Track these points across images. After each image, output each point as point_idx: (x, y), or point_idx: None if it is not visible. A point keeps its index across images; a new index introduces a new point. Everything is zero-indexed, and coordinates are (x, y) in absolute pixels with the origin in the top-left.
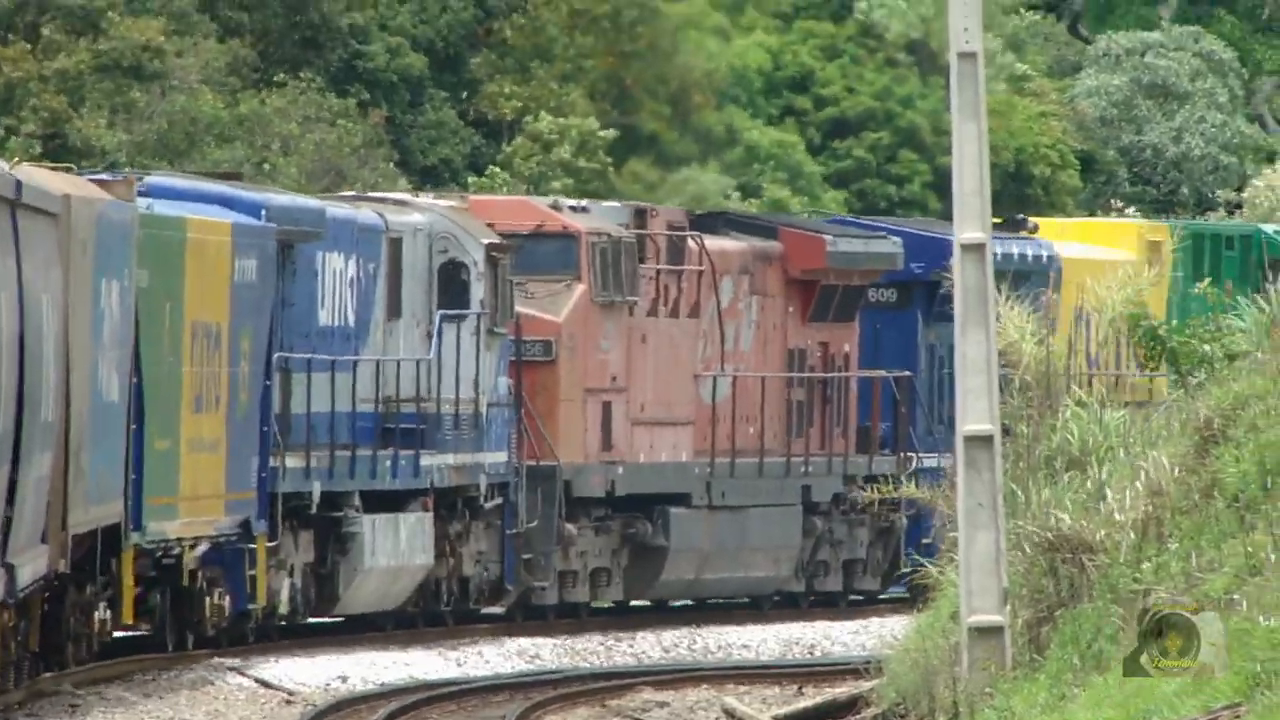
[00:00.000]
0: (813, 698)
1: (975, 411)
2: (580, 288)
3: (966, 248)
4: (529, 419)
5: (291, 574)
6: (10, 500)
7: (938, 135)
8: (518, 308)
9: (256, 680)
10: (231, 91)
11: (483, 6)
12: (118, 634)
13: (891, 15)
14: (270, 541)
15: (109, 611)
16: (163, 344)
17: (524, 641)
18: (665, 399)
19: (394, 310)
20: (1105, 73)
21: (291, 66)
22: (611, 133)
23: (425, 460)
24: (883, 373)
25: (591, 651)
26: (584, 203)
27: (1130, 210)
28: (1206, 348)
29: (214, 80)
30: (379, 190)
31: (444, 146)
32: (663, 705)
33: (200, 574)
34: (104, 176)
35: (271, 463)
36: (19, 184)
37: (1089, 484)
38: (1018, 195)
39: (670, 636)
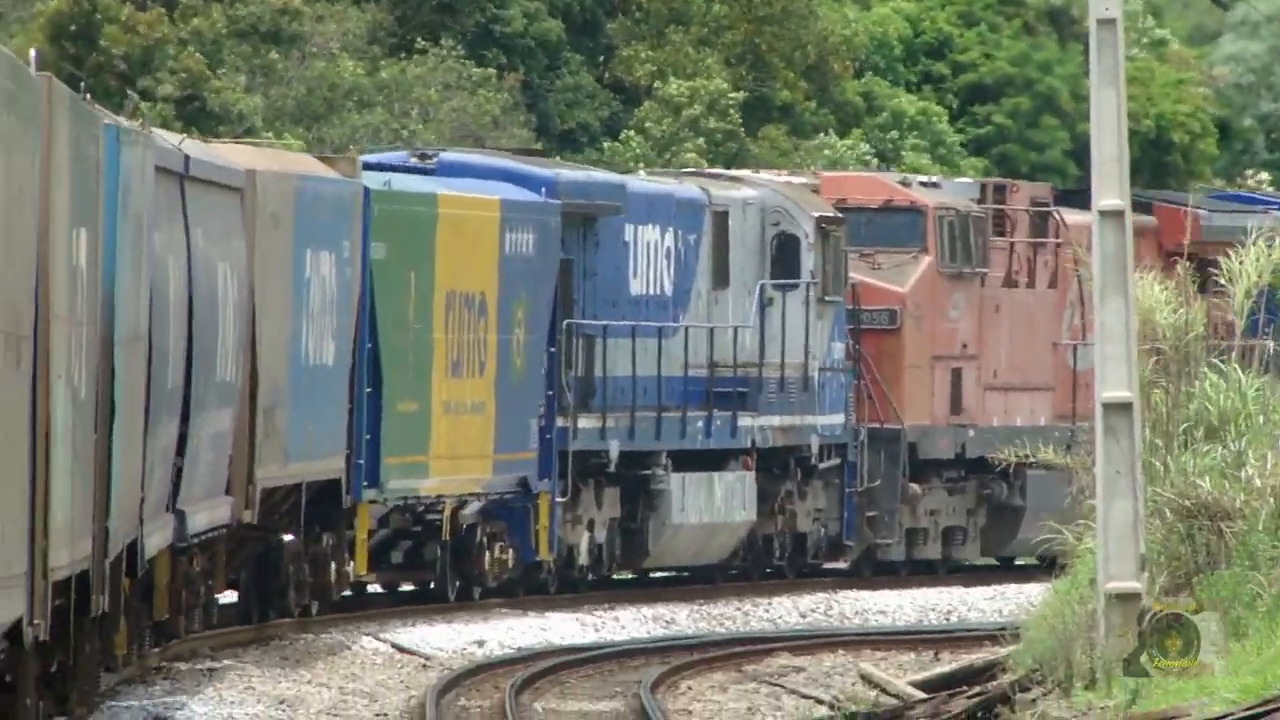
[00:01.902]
0: (949, 664)
1: (1114, 378)
2: (927, 259)
3: (1105, 214)
4: (873, 384)
5: (591, 529)
6: (180, 452)
7: (1077, 101)
8: (863, 278)
9: (393, 645)
10: (371, 59)
11: None
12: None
13: None
14: (561, 498)
15: (350, 563)
16: (406, 312)
17: (660, 608)
18: (1021, 365)
19: (720, 279)
20: (1244, 39)
21: (429, 32)
22: (741, 93)
23: (744, 421)
24: (1269, 343)
25: (728, 617)
26: (935, 179)
27: (1265, 178)
28: None
29: (352, 46)
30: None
31: (581, 111)
32: (799, 670)
33: (480, 529)
34: (328, 154)
35: (561, 424)
36: (187, 159)
37: (1227, 452)
38: (1157, 163)
39: (807, 602)
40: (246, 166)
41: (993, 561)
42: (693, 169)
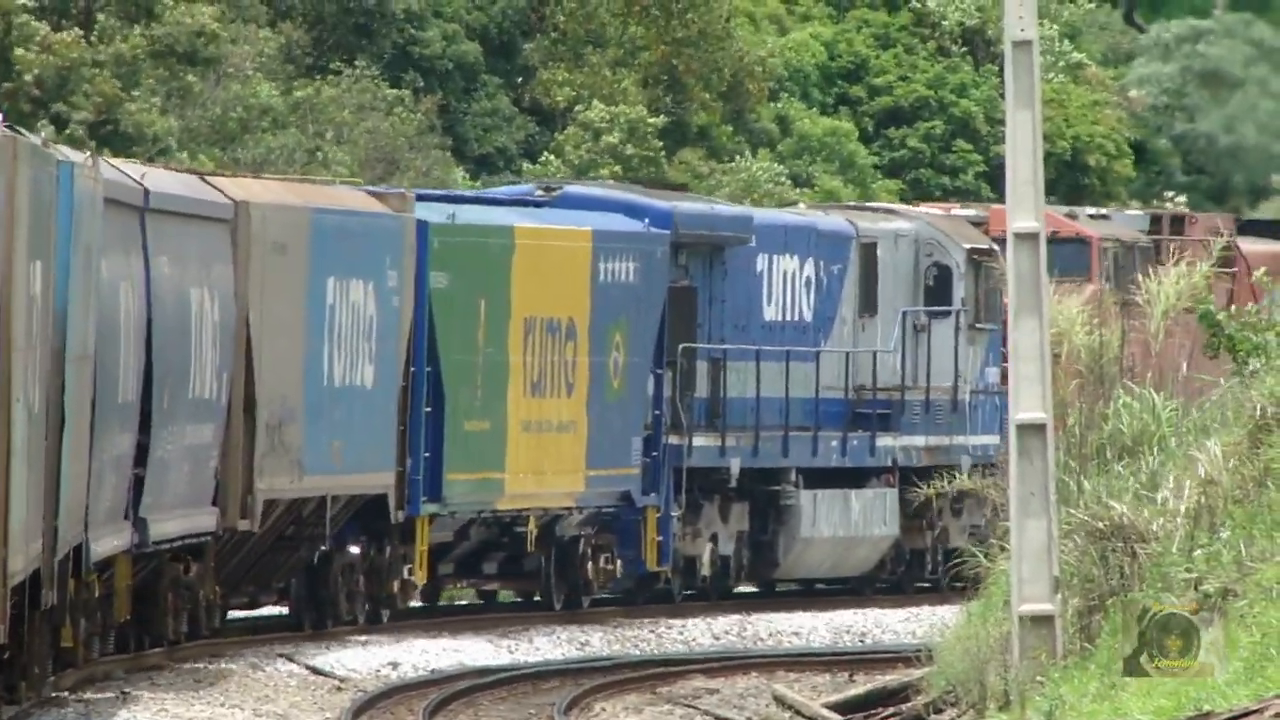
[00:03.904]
0: (863, 685)
1: (1028, 399)
2: (1090, 288)
3: (1020, 236)
4: None
5: (715, 542)
6: (140, 463)
7: (991, 125)
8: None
9: (307, 667)
10: (286, 79)
11: None
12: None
13: (949, 4)
14: (676, 512)
15: (407, 574)
16: (473, 337)
17: (575, 630)
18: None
19: (868, 307)
20: (1157, 61)
21: (345, 53)
22: (661, 119)
23: (884, 441)
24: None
25: (642, 639)
26: (1104, 211)
27: (1181, 200)
28: (1263, 337)
29: (267, 68)
30: (432, 178)
31: (498, 134)
32: (713, 692)
33: (584, 540)
34: (379, 189)
35: (675, 441)
36: (147, 192)
37: (1142, 473)
38: (1072, 184)
39: (721, 624)
40: (244, 198)
41: None
42: (850, 203)
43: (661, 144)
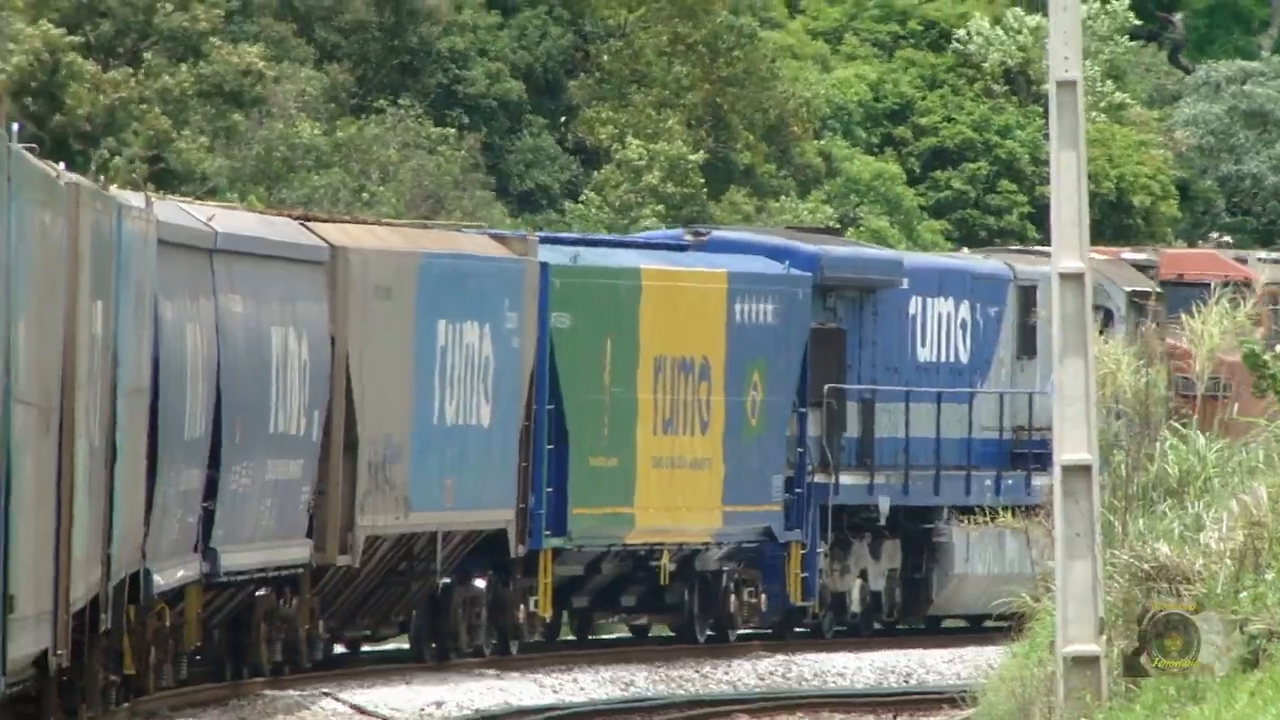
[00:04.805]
0: None
1: (1073, 440)
2: (1259, 331)
3: (1065, 277)
4: None
5: (864, 577)
6: (210, 496)
7: (1036, 165)
8: (1184, 344)
9: (351, 706)
10: (330, 118)
11: (580, 33)
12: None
13: (990, 45)
14: (822, 548)
15: (533, 606)
16: (598, 376)
17: (620, 669)
18: None
19: (1026, 349)
20: (1204, 101)
21: (390, 92)
22: (701, 155)
23: (1040, 480)
24: None
25: (687, 679)
26: (1276, 255)
27: (1227, 240)
28: None
29: (311, 106)
30: (478, 218)
31: (540, 172)
32: None
33: (726, 574)
34: (503, 233)
35: (821, 480)
36: (215, 235)
37: (1186, 514)
38: (1117, 225)
39: (766, 664)
40: (344, 243)
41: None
42: (1015, 247)
43: (704, 182)
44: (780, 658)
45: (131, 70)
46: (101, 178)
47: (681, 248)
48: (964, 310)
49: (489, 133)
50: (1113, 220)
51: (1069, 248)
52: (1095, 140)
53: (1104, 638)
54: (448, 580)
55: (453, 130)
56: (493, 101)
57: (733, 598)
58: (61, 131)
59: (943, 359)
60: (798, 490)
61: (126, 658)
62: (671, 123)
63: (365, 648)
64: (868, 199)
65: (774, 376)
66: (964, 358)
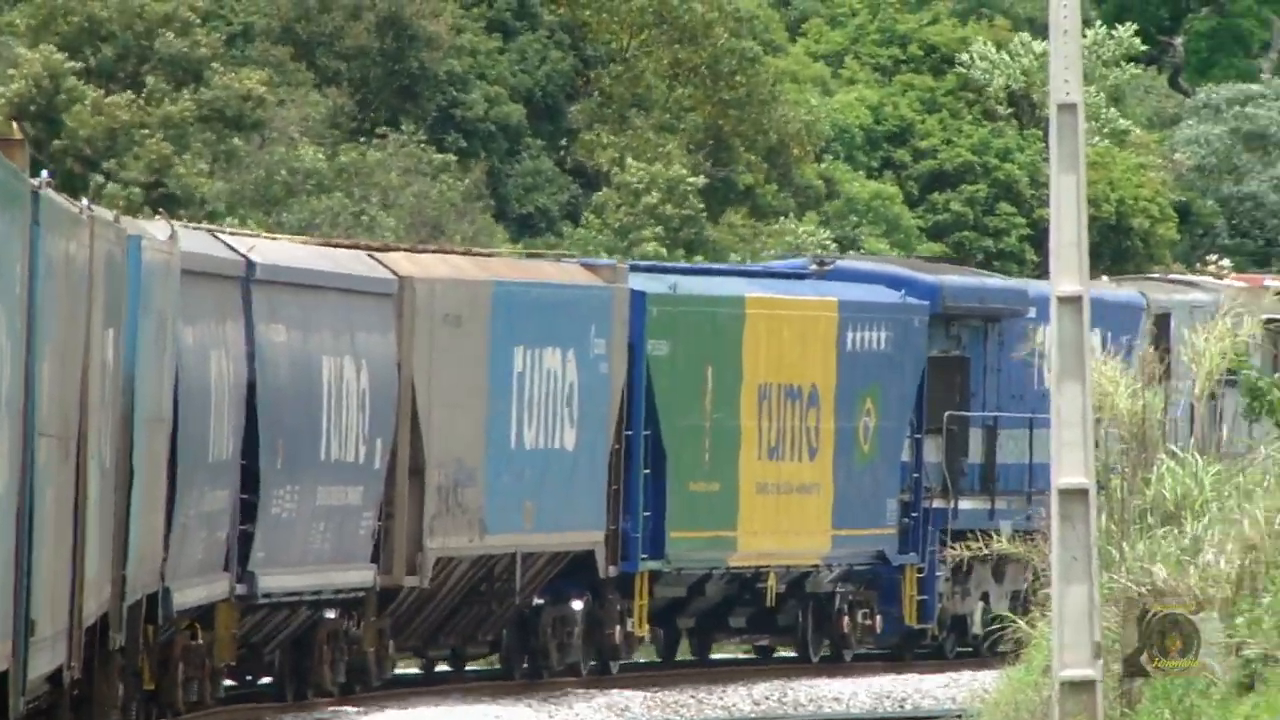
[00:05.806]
0: None
1: (1070, 464)
2: None
3: (1063, 300)
4: None
5: (985, 600)
6: (249, 519)
7: (1035, 188)
8: None
9: None
10: (332, 143)
11: (581, 56)
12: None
13: (993, 68)
14: (940, 571)
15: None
16: (699, 402)
17: (614, 694)
18: None
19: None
20: (1205, 123)
21: (390, 115)
22: (700, 179)
23: None
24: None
25: (683, 705)
26: None
27: (1226, 263)
28: None
29: (312, 131)
30: (478, 243)
31: (540, 195)
32: None
33: (840, 596)
34: (593, 261)
35: (939, 505)
36: (250, 264)
37: (1184, 538)
38: (1116, 248)
39: (761, 689)
40: (411, 273)
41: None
42: (1152, 275)
43: (703, 204)
44: (777, 682)
45: (133, 95)
46: (115, 212)
47: (801, 276)
48: (1095, 338)
49: (488, 156)
50: (1112, 243)
51: (1068, 271)
52: (1095, 163)
53: (1100, 662)
54: (540, 601)
55: (454, 157)
56: (491, 125)
57: (846, 619)
58: (61, 155)
59: None
60: (914, 515)
61: (145, 674)
62: (671, 147)
63: (469, 667)
64: (866, 219)
65: (887, 403)
66: None
